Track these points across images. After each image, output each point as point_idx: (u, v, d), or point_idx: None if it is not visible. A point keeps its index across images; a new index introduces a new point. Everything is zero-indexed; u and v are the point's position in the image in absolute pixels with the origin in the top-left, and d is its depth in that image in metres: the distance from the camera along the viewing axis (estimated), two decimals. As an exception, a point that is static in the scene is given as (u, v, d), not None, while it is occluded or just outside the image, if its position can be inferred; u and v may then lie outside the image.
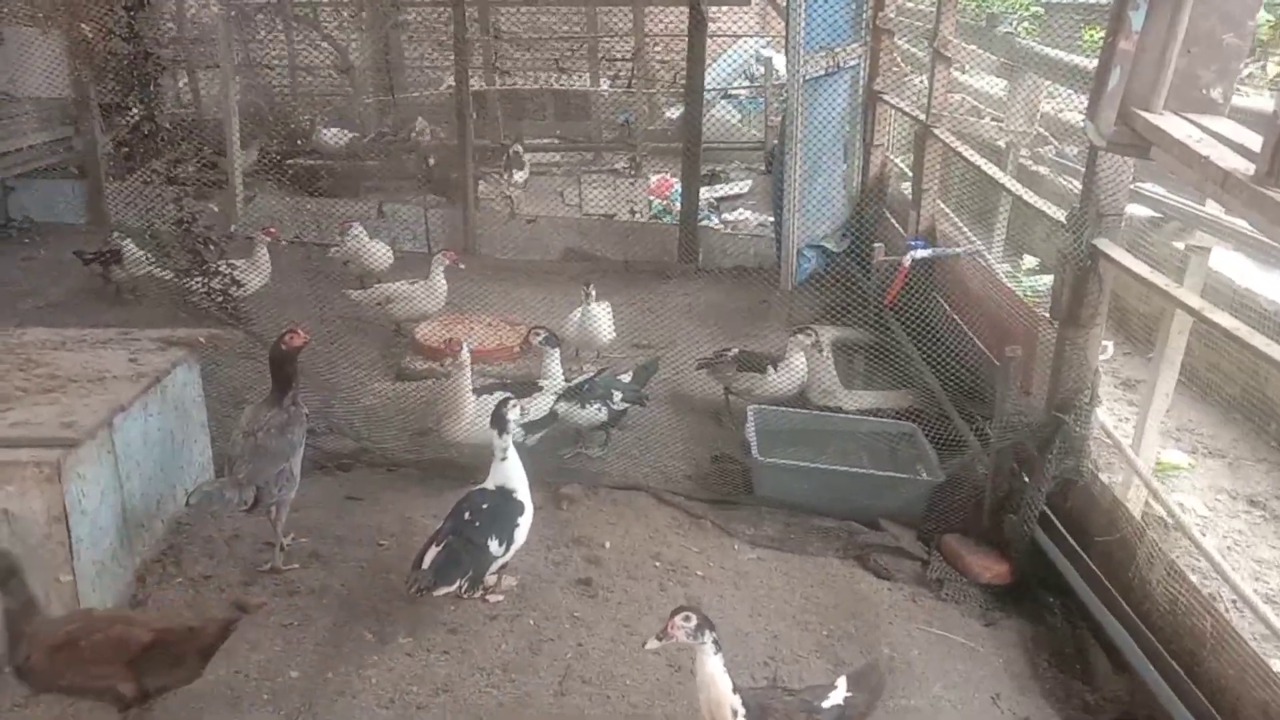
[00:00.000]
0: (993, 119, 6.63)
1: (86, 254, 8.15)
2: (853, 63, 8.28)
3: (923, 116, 6.98)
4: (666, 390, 6.60)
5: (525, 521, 4.38)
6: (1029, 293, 6.30)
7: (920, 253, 6.37)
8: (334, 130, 11.85)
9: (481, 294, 8.49)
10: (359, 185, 10.80)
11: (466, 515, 4.25)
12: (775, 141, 13.26)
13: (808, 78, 7.41)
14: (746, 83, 14.84)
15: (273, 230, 8.24)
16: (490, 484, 4.41)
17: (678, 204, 11.29)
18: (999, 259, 6.62)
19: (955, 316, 6.26)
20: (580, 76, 13.75)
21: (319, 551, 4.73)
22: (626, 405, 5.82)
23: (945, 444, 5.58)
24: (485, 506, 4.29)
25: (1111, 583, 4.13)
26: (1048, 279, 7.03)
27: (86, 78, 9.66)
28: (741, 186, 12.13)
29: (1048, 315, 4.77)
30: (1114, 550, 4.16)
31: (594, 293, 6.85)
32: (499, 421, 4.42)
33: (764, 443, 5.49)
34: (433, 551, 4.11)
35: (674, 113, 14.61)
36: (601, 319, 7.04)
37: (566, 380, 5.89)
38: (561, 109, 14.08)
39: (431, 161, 11.41)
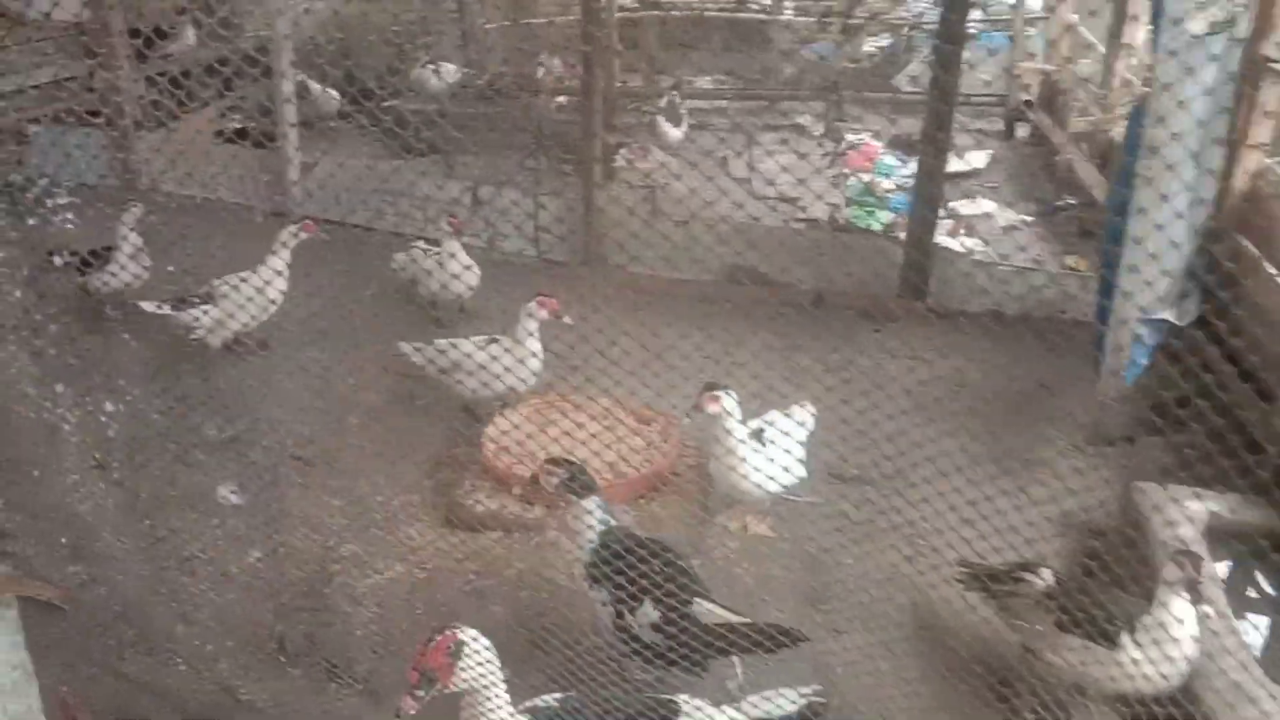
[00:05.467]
0: None
1: (63, 253, 5.76)
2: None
3: None
4: (891, 585, 3.69)
5: None
6: None
7: None
8: (440, 66, 9.13)
9: (604, 336, 5.64)
10: (457, 149, 7.98)
11: None
12: (1022, 97, 9.79)
13: (1189, 34, 4.15)
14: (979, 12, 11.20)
15: (310, 224, 5.59)
16: None
17: (884, 180, 8.13)
18: None
19: None
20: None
21: None
22: None
23: None
24: None
25: None
26: None
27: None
28: (978, 159, 8.70)
29: None
30: None
31: (732, 405, 3.98)
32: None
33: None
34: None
35: (878, 44, 11.26)
36: (786, 442, 4.17)
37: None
38: (727, 40, 10.91)
39: (559, 113, 8.57)
